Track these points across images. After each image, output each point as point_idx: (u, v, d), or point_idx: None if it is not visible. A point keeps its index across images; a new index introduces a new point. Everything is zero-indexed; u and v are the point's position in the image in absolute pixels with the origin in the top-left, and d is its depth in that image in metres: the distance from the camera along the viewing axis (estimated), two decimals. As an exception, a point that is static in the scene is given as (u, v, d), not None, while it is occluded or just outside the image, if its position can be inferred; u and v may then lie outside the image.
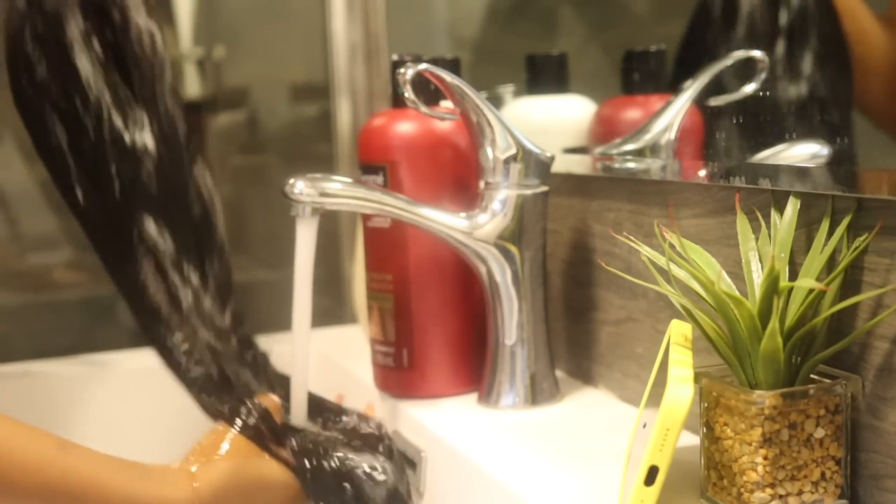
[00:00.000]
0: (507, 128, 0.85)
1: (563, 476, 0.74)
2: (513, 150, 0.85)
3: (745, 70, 0.78)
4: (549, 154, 0.87)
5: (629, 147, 0.89)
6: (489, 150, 0.86)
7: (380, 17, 1.39)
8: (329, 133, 1.52)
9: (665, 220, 0.80)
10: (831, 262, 0.64)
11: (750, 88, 0.76)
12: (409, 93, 0.81)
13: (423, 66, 0.82)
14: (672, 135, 0.85)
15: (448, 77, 0.83)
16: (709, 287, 0.65)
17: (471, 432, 0.84)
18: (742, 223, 0.70)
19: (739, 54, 0.79)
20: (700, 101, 0.83)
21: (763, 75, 0.76)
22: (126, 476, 0.72)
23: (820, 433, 0.63)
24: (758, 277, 0.67)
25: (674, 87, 0.87)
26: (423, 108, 0.83)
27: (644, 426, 0.65)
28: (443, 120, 0.88)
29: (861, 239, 0.63)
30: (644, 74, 0.92)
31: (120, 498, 0.70)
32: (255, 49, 2.20)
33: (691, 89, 0.84)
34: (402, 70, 0.82)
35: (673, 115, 0.86)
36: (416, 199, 0.87)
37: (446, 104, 0.90)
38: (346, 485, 0.80)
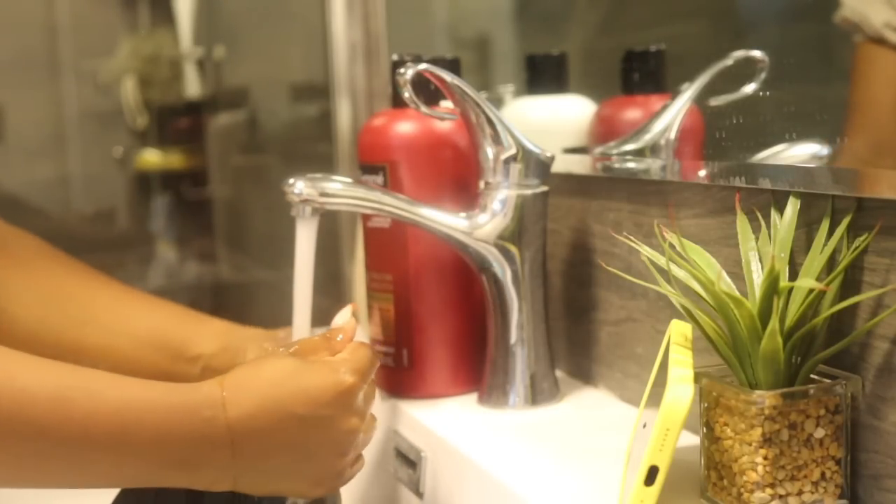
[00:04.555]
0: (507, 128, 0.85)
1: (563, 476, 0.74)
2: (513, 150, 0.85)
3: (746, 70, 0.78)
4: (549, 154, 0.87)
5: (629, 147, 0.89)
6: (489, 150, 0.86)
7: (380, 17, 1.39)
8: (329, 133, 1.52)
9: (665, 220, 0.80)
10: (831, 262, 0.64)
11: (750, 88, 0.76)
12: (409, 93, 0.82)
13: (423, 66, 0.82)
14: (672, 135, 0.85)
15: (448, 77, 0.83)
16: (709, 287, 0.65)
17: (471, 432, 0.84)
18: (742, 223, 0.70)
19: (739, 54, 0.79)
20: (700, 101, 0.83)
21: (763, 75, 0.76)
22: (153, 393, 0.66)
23: (820, 433, 0.63)
24: (758, 277, 0.67)
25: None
26: (423, 108, 0.83)
27: (644, 426, 0.65)
28: (443, 120, 0.89)
29: (861, 239, 0.63)
30: (644, 74, 0.92)
31: (151, 414, 0.64)
32: (255, 49, 2.20)
33: (691, 89, 0.84)
34: (402, 70, 0.82)
35: (673, 115, 0.86)
36: (416, 199, 0.87)
37: (446, 104, 0.90)
38: None
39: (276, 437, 0.68)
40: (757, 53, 0.76)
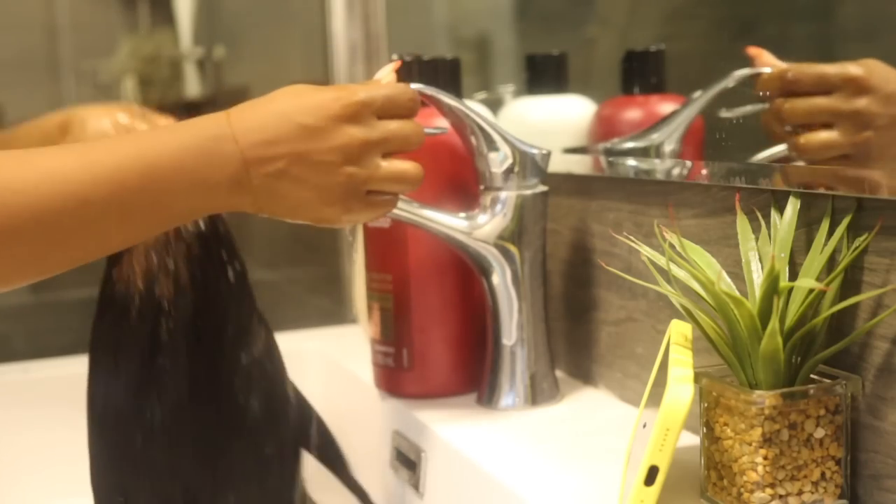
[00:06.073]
0: (502, 135, 0.85)
1: (563, 476, 0.74)
2: (510, 160, 0.85)
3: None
4: (544, 151, 0.87)
5: (632, 145, 0.89)
6: (487, 163, 0.86)
7: (380, 17, 1.39)
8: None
9: (665, 220, 0.80)
10: (831, 262, 0.64)
11: (766, 102, 0.75)
12: None
13: (412, 86, 0.82)
14: (675, 145, 0.85)
15: (435, 94, 0.83)
16: (709, 287, 0.65)
17: (471, 432, 0.84)
18: (742, 223, 0.70)
19: (749, 71, 0.78)
20: (709, 112, 0.83)
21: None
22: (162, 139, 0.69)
23: (820, 433, 0.63)
24: (758, 277, 0.67)
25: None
26: None
27: (644, 426, 0.65)
28: (434, 135, 0.88)
29: (861, 239, 0.63)
30: (644, 74, 0.92)
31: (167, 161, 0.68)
32: (255, 49, 2.20)
33: (700, 101, 0.84)
34: None
35: (677, 124, 0.85)
36: (416, 199, 0.87)
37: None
38: None
39: (283, 147, 0.69)
40: (769, 70, 0.75)
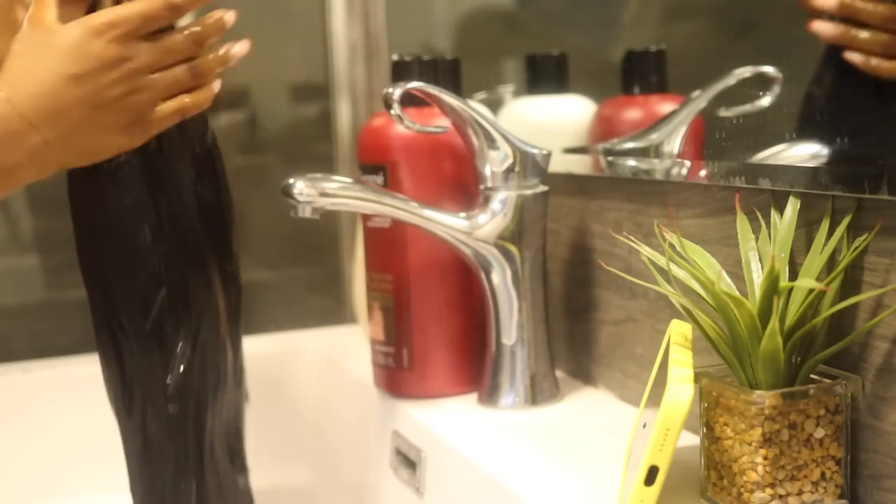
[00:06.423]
0: (502, 134, 0.85)
1: (563, 476, 0.74)
2: (510, 160, 0.85)
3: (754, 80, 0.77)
4: (545, 151, 0.87)
5: (632, 145, 0.89)
6: (487, 163, 0.86)
7: (380, 17, 1.39)
8: (329, 133, 1.52)
9: (665, 220, 0.80)
10: (831, 262, 0.64)
11: (765, 102, 0.76)
12: (396, 111, 0.82)
13: (412, 84, 0.82)
14: (675, 147, 0.85)
15: (437, 93, 0.83)
16: (709, 287, 0.65)
17: (471, 432, 0.84)
18: (742, 223, 0.70)
19: (752, 70, 0.79)
20: (709, 111, 0.83)
21: (777, 89, 0.76)
22: None
23: (820, 433, 0.63)
24: (758, 277, 0.67)
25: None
26: (415, 126, 0.83)
27: (644, 426, 0.65)
28: (434, 134, 0.88)
29: (861, 239, 0.63)
30: (644, 74, 0.92)
31: None
32: (255, 49, 2.20)
33: (699, 99, 0.84)
34: (390, 90, 0.82)
35: (677, 123, 0.85)
36: (416, 199, 0.87)
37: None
38: None
39: (67, 103, 0.73)
40: (770, 69, 0.76)
